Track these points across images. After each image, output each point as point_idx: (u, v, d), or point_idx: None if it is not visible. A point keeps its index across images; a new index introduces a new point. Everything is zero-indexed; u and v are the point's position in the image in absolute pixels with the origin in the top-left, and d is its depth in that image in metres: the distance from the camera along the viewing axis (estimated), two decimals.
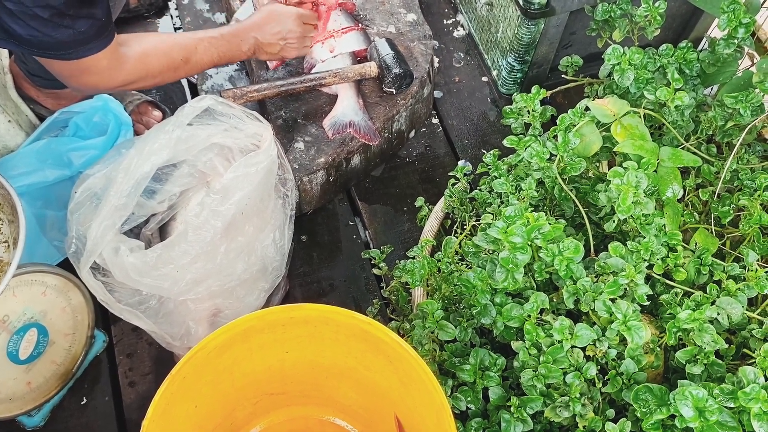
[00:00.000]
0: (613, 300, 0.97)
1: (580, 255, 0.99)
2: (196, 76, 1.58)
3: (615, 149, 1.10)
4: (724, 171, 1.16)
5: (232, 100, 1.32)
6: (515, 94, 1.25)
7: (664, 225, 1.05)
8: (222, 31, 1.27)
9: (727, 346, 0.97)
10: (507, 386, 1.02)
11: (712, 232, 1.14)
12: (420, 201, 1.37)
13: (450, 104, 1.65)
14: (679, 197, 1.09)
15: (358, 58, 1.48)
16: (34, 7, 0.95)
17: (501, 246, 0.99)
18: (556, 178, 1.13)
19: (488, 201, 1.26)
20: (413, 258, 1.21)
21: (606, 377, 0.98)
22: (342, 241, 1.47)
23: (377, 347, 0.98)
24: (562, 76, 1.39)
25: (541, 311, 1.00)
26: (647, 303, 0.99)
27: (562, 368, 0.95)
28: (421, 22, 1.57)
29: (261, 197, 1.11)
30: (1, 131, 1.28)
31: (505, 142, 1.18)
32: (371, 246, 1.46)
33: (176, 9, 1.72)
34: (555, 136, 1.15)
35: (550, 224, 0.99)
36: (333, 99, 1.44)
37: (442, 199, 1.36)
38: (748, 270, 1.04)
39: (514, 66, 1.58)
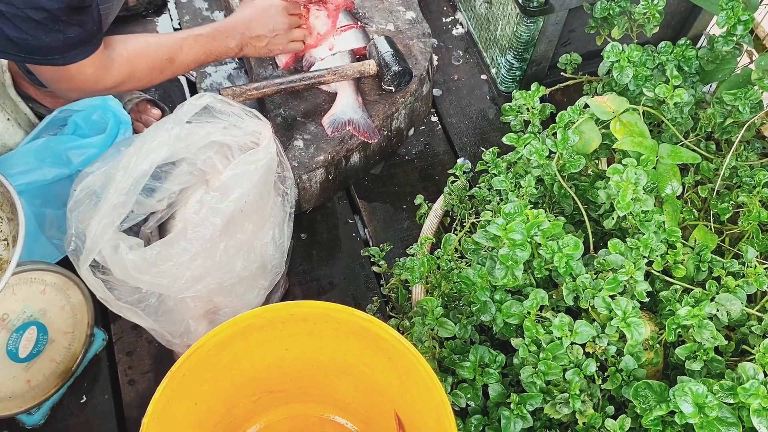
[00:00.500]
0: (612, 297, 0.97)
1: (580, 252, 0.99)
2: (194, 75, 1.58)
3: (614, 146, 1.10)
4: (723, 168, 1.16)
5: (231, 98, 1.32)
6: (514, 91, 1.25)
7: (664, 222, 1.05)
8: (207, 28, 1.25)
9: (726, 342, 0.97)
10: (507, 383, 1.03)
11: (711, 229, 1.14)
12: (419, 199, 1.37)
13: (449, 102, 1.65)
14: (678, 194, 1.09)
15: (357, 56, 1.48)
16: (25, 9, 0.94)
17: (500, 243, 0.99)
18: (556, 176, 1.13)
19: (487, 198, 1.26)
20: (413, 255, 1.21)
21: (606, 374, 0.98)
22: (341, 239, 1.47)
23: (377, 344, 0.98)
24: (561, 73, 1.39)
25: (541, 308, 1.00)
26: (647, 300, 0.99)
27: (561, 365, 0.95)
28: (420, 20, 1.57)
29: (260, 195, 1.11)
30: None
31: (505, 140, 1.18)
32: (371, 244, 1.46)
33: (176, 8, 1.71)
34: (554, 134, 1.15)
35: (549, 221, 0.99)
36: (332, 97, 1.44)
37: (442, 196, 1.36)
38: (748, 266, 1.04)
39: (513, 64, 1.58)
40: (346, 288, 1.41)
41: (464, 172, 1.34)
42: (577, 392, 0.94)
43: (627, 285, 0.99)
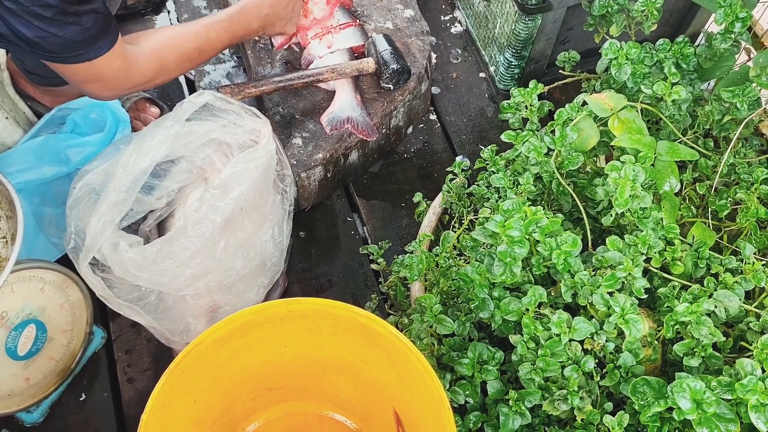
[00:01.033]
0: (610, 293, 0.97)
1: (578, 249, 0.99)
2: (193, 73, 1.58)
3: (612, 143, 1.10)
4: (721, 165, 1.16)
5: (229, 96, 1.32)
6: (513, 89, 1.25)
7: (662, 219, 1.06)
8: (229, 12, 1.24)
9: (724, 338, 0.97)
10: (505, 380, 1.03)
11: (709, 226, 1.15)
12: (418, 196, 1.38)
13: (448, 100, 1.66)
14: (676, 191, 1.09)
15: (356, 54, 1.48)
16: (32, 7, 0.95)
17: (499, 240, 0.99)
18: (554, 173, 1.13)
19: (486, 196, 1.26)
20: (411, 253, 1.21)
21: (604, 370, 0.98)
22: (340, 237, 1.47)
23: (375, 341, 0.98)
24: (560, 71, 1.39)
25: (539, 305, 1.00)
26: (645, 296, 0.99)
27: (560, 361, 0.95)
28: (419, 18, 1.57)
29: (260, 193, 1.11)
30: None
31: (503, 137, 1.18)
32: (369, 242, 1.47)
33: (174, 6, 1.71)
34: (552, 131, 1.15)
35: (547, 218, 0.99)
36: (331, 95, 1.44)
37: (440, 194, 1.36)
38: (745, 263, 1.04)
39: (512, 62, 1.58)
40: (345, 286, 1.41)
41: (463, 170, 1.34)
42: (576, 389, 0.94)
43: (625, 282, 0.99)
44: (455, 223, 1.32)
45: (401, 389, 1.02)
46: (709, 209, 1.17)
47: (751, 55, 1.32)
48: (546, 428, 0.99)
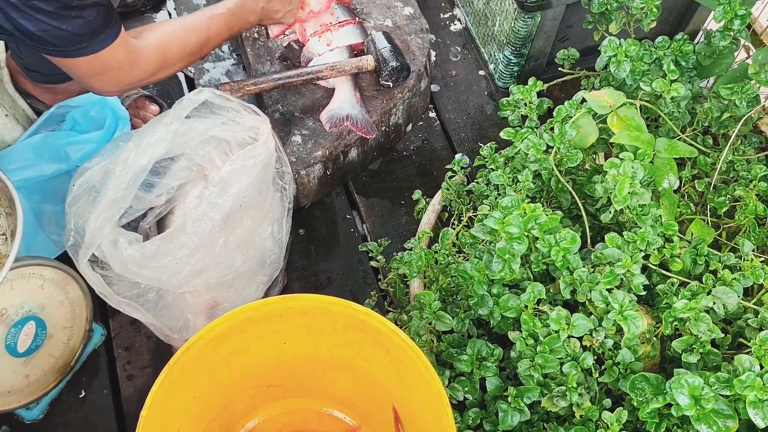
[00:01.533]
0: (609, 290, 0.97)
1: (577, 245, 0.99)
2: (192, 71, 1.58)
3: (611, 140, 1.10)
4: (720, 162, 1.16)
5: (229, 93, 1.32)
6: (512, 86, 1.25)
7: (661, 216, 1.06)
8: (227, 5, 1.26)
9: (723, 335, 0.98)
10: (504, 376, 1.03)
11: (708, 223, 1.15)
12: (417, 194, 1.38)
13: (447, 98, 1.66)
14: (675, 188, 1.09)
15: (355, 51, 1.48)
16: (35, 1, 0.95)
17: (498, 236, 0.99)
18: (553, 170, 1.13)
19: (485, 193, 1.26)
20: (411, 250, 1.21)
21: (602, 367, 0.98)
22: (339, 234, 1.47)
23: (375, 338, 0.98)
24: (559, 69, 1.39)
25: (538, 302, 1.00)
26: (643, 293, 0.99)
27: (558, 358, 0.96)
28: (418, 15, 1.57)
29: (259, 190, 1.11)
30: None
31: (502, 134, 1.19)
32: (369, 239, 1.47)
33: (174, 4, 1.71)
34: (552, 128, 1.15)
35: (546, 215, 0.99)
36: (330, 92, 1.44)
37: (440, 192, 1.36)
38: (744, 260, 1.04)
39: (511, 59, 1.58)
40: (345, 283, 1.41)
41: (462, 168, 1.34)
42: (574, 385, 0.94)
43: (624, 278, 1.00)
44: (454, 220, 1.32)
45: (400, 386, 1.02)
46: (708, 206, 1.17)
47: (750, 53, 1.32)
48: (545, 425, 0.99)
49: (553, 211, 1.12)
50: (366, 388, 1.10)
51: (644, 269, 1.04)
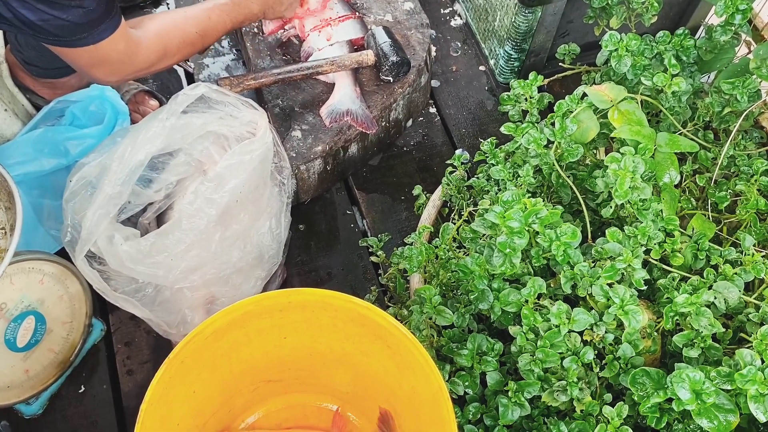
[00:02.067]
0: (610, 285, 0.97)
1: (578, 240, 0.99)
2: (192, 66, 1.58)
3: (612, 135, 1.10)
4: (721, 157, 1.16)
5: (229, 88, 1.32)
6: (513, 81, 1.25)
7: (662, 210, 1.06)
8: None
9: (724, 330, 0.97)
10: (504, 371, 1.03)
11: (709, 218, 1.14)
12: (417, 189, 1.37)
13: (447, 93, 1.65)
14: (676, 183, 1.09)
15: (355, 46, 1.48)
16: None
17: (498, 231, 0.99)
18: (554, 165, 1.13)
19: (486, 188, 1.26)
20: (411, 245, 1.21)
21: (603, 362, 0.98)
22: (340, 230, 1.47)
23: (375, 332, 0.98)
24: (560, 64, 1.38)
25: (539, 296, 1.00)
26: (644, 288, 0.99)
27: (559, 353, 0.95)
28: (418, 10, 1.56)
29: (256, 185, 1.11)
30: None
31: (503, 129, 1.18)
32: (369, 235, 1.46)
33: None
34: (552, 123, 1.15)
35: (547, 210, 0.99)
36: (330, 87, 1.44)
37: (440, 187, 1.36)
38: (745, 255, 1.04)
39: (512, 55, 1.58)
40: (345, 278, 1.41)
41: (462, 163, 1.34)
42: (575, 380, 0.94)
43: (625, 273, 0.99)
44: (455, 215, 1.31)
45: (400, 380, 1.02)
46: (709, 201, 1.17)
47: (751, 48, 1.32)
48: (545, 419, 0.99)
49: (553, 206, 1.12)
50: (366, 383, 1.10)
51: (645, 264, 1.04)
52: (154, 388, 0.88)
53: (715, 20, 1.22)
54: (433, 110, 1.63)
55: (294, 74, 1.37)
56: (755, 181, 1.12)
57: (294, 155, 1.36)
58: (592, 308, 0.99)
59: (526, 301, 0.99)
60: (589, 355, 0.95)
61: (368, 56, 1.41)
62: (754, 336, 0.93)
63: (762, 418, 0.83)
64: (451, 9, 1.78)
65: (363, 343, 1.02)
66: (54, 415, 1.23)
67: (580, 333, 0.97)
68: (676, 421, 0.91)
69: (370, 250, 1.38)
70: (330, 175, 1.46)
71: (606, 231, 1.03)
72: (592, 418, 0.95)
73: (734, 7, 1.17)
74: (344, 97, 1.40)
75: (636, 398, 0.91)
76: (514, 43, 1.54)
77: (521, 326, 0.99)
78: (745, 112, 1.17)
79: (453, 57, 1.70)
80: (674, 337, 0.96)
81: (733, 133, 1.17)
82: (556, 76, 1.40)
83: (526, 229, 0.97)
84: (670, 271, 1.04)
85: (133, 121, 1.38)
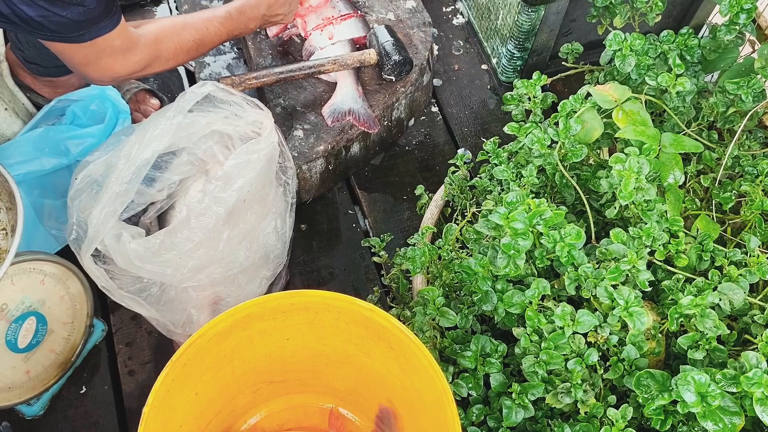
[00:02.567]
0: (614, 286, 0.97)
1: (582, 241, 0.98)
2: (193, 65, 1.57)
3: (616, 135, 1.10)
4: (725, 157, 1.15)
5: (230, 87, 1.31)
6: (516, 80, 1.24)
7: (666, 211, 1.05)
8: (229, 9, 1.26)
9: (728, 332, 0.97)
10: (508, 373, 1.02)
11: (713, 219, 1.14)
12: (420, 189, 1.37)
13: (449, 92, 1.65)
14: (680, 183, 1.08)
15: (357, 45, 1.47)
16: None
17: (502, 232, 0.98)
18: (557, 165, 1.12)
19: (489, 189, 1.25)
20: (413, 245, 1.21)
21: (607, 363, 0.97)
22: (341, 229, 1.46)
23: (378, 334, 0.98)
24: (563, 63, 1.38)
25: (543, 298, 0.99)
26: (649, 289, 0.99)
27: (563, 354, 0.95)
28: (421, 9, 1.56)
29: (262, 184, 1.11)
30: None
31: (506, 129, 1.18)
32: (371, 234, 1.46)
33: None
34: (556, 123, 1.14)
35: (551, 211, 0.98)
36: (332, 86, 1.43)
37: (442, 187, 1.36)
38: (750, 256, 1.03)
39: (514, 53, 1.57)
40: (347, 279, 1.41)
41: (465, 163, 1.33)
42: (579, 382, 0.94)
43: (629, 274, 0.99)
44: (458, 215, 1.31)
45: (404, 381, 1.02)
46: (714, 202, 1.16)
47: (756, 47, 1.31)
48: (549, 421, 0.99)
49: (557, 206, 1.11)
50: (369, 383, 1.10)
51: (649, 265, 1.04)
52: (157, 391, 0.87)
53: (719, 19, 1.21)
54: (435, 109, 1.62)
55: (296, 73, 1.37)
56: (760, 181, 1.12)
57: (296, 155, 1.35)
58: (596, 310, 0.99)
59: (530, 303, 0.98)
60: (594, 356, 0.95)
61: (370, 55, 1.41)
62: (759, 338, 0.93)
63: None
64: (453, 7, 1.77)
65: (366, 344, 1.02)
66: (55, 416, 1.23)
67: (585, 334, 0.97)
68: (680, 424, 0.91)
69: (372, 251, 1.37)
70: (332, 174, 1.45)
71: (610, 232, 1.03)
72: (597, 420, 0.95)
73: (739, 6, 1.17)
74: (346, 96, 1.40)
75: (640, 400, 0.91)
76: (516, 42, 1.54)
77: (525, 328, 0.98)
78: (750, 112, 1.16)
79: (455, 56, 1.70)
80: (679, 339, 0.96)
81: (737, 134, 1.16)
82: (558, 75, 1.39)
83: (531, 230, 0.97)
84: (674, 273, 1.04)
85: (134, 120, 1.37)
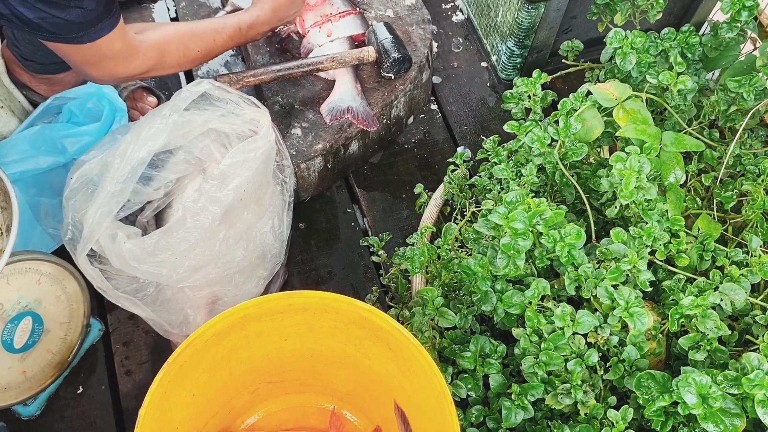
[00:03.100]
0: (615, 286, 0.96)
1: (582, 241, 0.97)
2: None
3: (617, 134, 1.09)
4: (726, 156, 1.15)
5: (227, 85, 1.30)
6: (516, 78, 1.23)
7: (667, 210, 1.04)
8: (240, 23, 1.27)
9: (730, 332, 0.96)
10: (508, 373, 1.02)
11: (714, 218, 1.13)
12: (419, 188, 1.36)
13: (449, 90, 1.64)
14: (681, 182, 1.07)
15: (356, 42, 1.46)
16: None
17: (502, 232, 0.97)
18: (557, 164, 1.12)
19: (488, 187, 1.25)
20: (412, 245, 1.20)
21: (608, 364, 0.97)
22: (340, 228, 1.45)
23: (376, 334, 0.97)
24: (563, 61, 1.37)
25: (542, 298, 0.99)
26: (649, 289, 0.98)
27: (563, 355, 0.94)
28: (420, 6, 1.55)
29: (259, 183, 1.10)
30: None
31: (506, 127, 1.17)
32: (370, 233, 1.45)
33: None
34: (556, 121, 1.14)
35: (551, 210, 0.98)
36: (330, 84, 1.42)
37: (442, 185, 1.35)
38: (752, 256, 1.03)
39: (514, 51, 1.56)
40: (345, 278, 1.40)
41: (464, 161, 1.33)
42: (579, 383, 0.93)
43: (630, 274, 0.98)
44: (457, 214, 1.30)
45: (403, 382, 1.01)
46: (715, 201, 1.15)
47: (757, 45, 1.30)
48: (549, 422, 0.98)
49: (557, 206, 1.11)
50: (367, 384, 1.09)
51: (650, 265, 1.03)
52: (153, 393, 0.87)
53: (720, 16, 1.20)
54: (434, 107, 1.61)
55: (294, 71, 1.36)
56: (762, 180, 1.11)
57: (294, 153, 1.35)
58: (596, 310, 0.98)
59: (530, 303, 0.98)
60: (594, 357, 0.94)
61: (369, 53, 1.40)
62: (760, 339, 0.92)
63: None
64: (452, 4, 1.76)
65: (364, 345, 1.01)
66: (52, 416, 1.22)
67: (585, 335, 0.96)
68: (681, 425, 0.90)
69: (370, 250, 1.36)
70: (330, 173, 1.44)
71: (610, 231, 1.02)
72: (597, 421, 0.94)
73: (740, 3, 1.16)
74: (345, 94, 1.39)
75: (641, 401, 0.90)
76: (516, 39, 1.53)
77: (525, 328, 0.98)
78: (752, 111, 1.15)
79: (454, 53, 1.69)
80: (680, 339, 0.95)
81: (739, 132, 1.15)
82: (558, 73, 1.39)
83: (530, 230, 0.96)
84: (675, 273, 1.03)
85: (131, 118, 1.36)
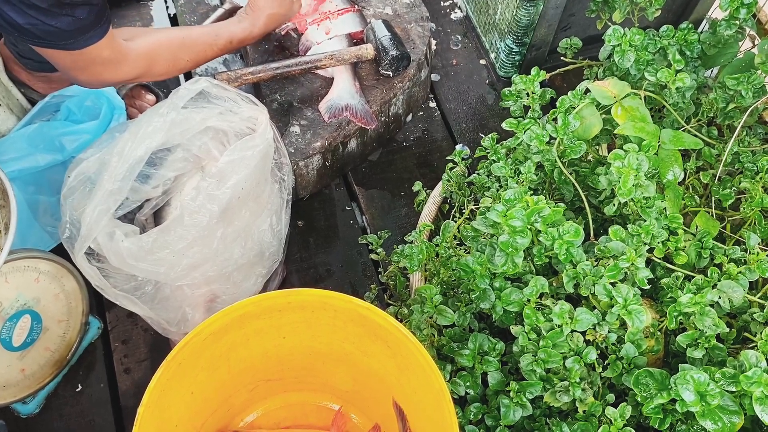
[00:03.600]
0: (613, 284, 0.96)
1: (580, 239, 0.97)
2: None
3: (615, 131, 1.09)
4: (725, 153, 1.15)
5: (226, 83, 1.30)
6: (514, 76, 1.23)
7: (665, 208, 1.04)
8: (231, 38, 1.28)
9: (728, 330, 0.97)
10: (506, 371, 1.02)
11: (713, 215, 1.13)
12: (417, 185, 1.36)
13: (447, 87, 1.64)
14: (679, 180, 1.08)
15: (355, 40, 1.46)
16: None
17: (500, 230, 0.97)
18: (556, 162, 1.12)
19: (486, 185, 1.25)
20: (411, 242, 1.20)
21: (606, 362, 0.97)
22: (339, 226, 1.45)
23: (375, 332, 0.97)
24: (561, 58, 1.37)
25: (541, 296, 0.99)
26: (648, 287, 0.98)
27: (561, 353, 0.94)
28: (418, 3, 1.54)
29: (257, 181, 1.10)
30: None
31: (504, 125, 1.17)
32: (368, 231, 1.45)
33: None
34: (555, 119, 1.14)
35: (550, 208, 0.98)
36: (329, 82, 1.42)
37: (440, 183, 1.35)
38: (750, 253, 1.03)
39: (513, 48, 1.56)
40: (344, 276, 1.40)
41: (463, 159, 1.33)
42: (578, 380, 0.93)
43: (628, 272, 0.98)
44: (455, 212, 1.30)
45: (401, 380, 1.01)
46: (713, 198, 1.15)
47: (756, 42, 1.30)
48: (547, 420, 0.98)
49: (555, 203, 1.11)
50: (366, 382, 1.09)
51: (648, 262, 1.03)
52: (152, 391, 0.87)
53: (719, 14, 1.20)
54: (433, 105, 1.61)
55: (292, 69, 1.36)
56: (760, 178, 1.11)
57: (292, 151, 1.35)
58: (594, 308, 0.98)
59: (528, 301, 0.98)
60: (592, 355, 0.95)
61: (367, 50, 1.40)
62: (758, 336, 0.92)
63: (767, 420, 0.82)
64: (451, 2, 1.76)
65: (363, 343, 1.01)
66: (51, 415, 1.22)
67: (583, 333, 0.96)
68: (679, 422, 0.90)
69: (369, 247, 1.36)
70: (329, 170, 1.44)
71: (609, 229, 1.02)
72: (595, 418, 0.94)
73: (739, 1, 1.16)
74: (343, 91, 1.39)
75: (639, 399, 0.90)
76: (515, 37, 1.53)
77: (523, 326, 0.98)
78: (750, 108, 1.15)
79: (453, 50, 1.69)
80: (678, 337, 0.95)
81: (737, 130, 1.15)
82: (557, 71, 1.39)
83: (529, 227, 0.96)
84: (673, 270, 1.03)
85: (129, 116, 1.36)
